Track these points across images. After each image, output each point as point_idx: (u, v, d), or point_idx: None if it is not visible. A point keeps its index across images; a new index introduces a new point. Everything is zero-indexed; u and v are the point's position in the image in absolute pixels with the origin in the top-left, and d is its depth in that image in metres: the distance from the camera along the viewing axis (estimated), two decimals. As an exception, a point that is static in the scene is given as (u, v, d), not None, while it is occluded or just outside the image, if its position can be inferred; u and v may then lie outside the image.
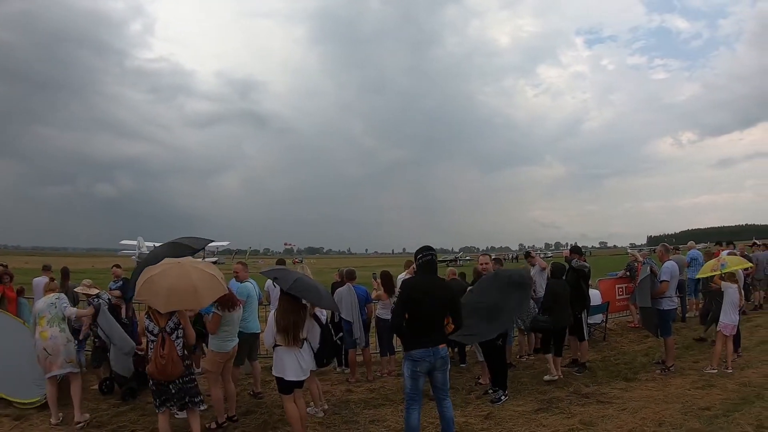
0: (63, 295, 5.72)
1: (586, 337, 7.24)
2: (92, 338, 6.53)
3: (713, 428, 4.70)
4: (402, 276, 7.46)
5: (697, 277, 8.81)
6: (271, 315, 4.73)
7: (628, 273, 10.10)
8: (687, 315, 10.16)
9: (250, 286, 6.26)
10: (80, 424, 5.28)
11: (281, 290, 4.65)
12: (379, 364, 7.32)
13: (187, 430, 4.70)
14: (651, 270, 6.84)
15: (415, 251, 4.62)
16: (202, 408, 4.67)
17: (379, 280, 7.37)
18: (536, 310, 7.09)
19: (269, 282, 6.54)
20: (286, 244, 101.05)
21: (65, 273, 8.12)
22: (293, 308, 4.55)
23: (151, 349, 4.39)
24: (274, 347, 4.62)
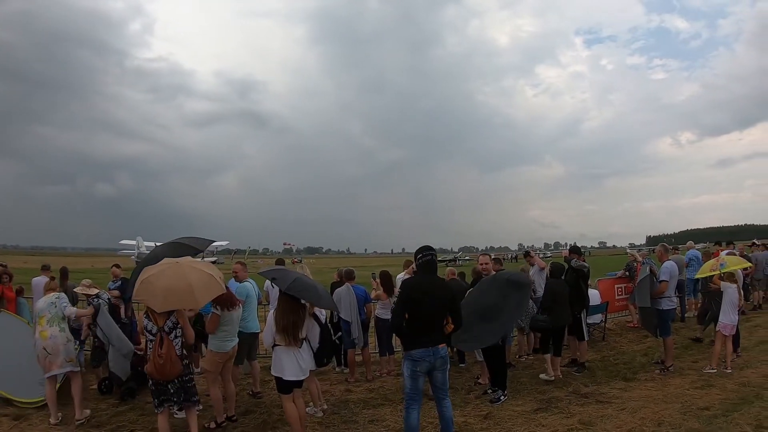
0: (63, 295, 5.71)
1: (586, 337, 7.24)
2: (92, 338, 6.52)
3: (712, 428, 4.70)
4: (401, 276, 7.46)
5: (697, 277, 8.82)
6: (271, 315, 4.73)
7: (627, 273, 10.10)
8: (686, 315, 10.17)
9: (249, 286, 6.26)
10: (80, 421, 5.29)
11: (280, 290, 4.65)
12: (378, 364, 7.32)
13: (186, 429, 4.70)
14: (650, 270, 6.84)
15: (414, 251, 4.62)
16: (198, 408, 4.67)
17: (378, 280, 7.37)
18: (535, 309, 7.10)
19: (269, 282, 6.54)
20: (285, 244, 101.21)
21: (64, 273, 8.11)
22: (292, 308, 4.55)
23: (149, 348, 4.39)
24: (273, 347, 4.62)
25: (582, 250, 8.89)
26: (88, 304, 6.10)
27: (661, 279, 6.69)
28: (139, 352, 6.24)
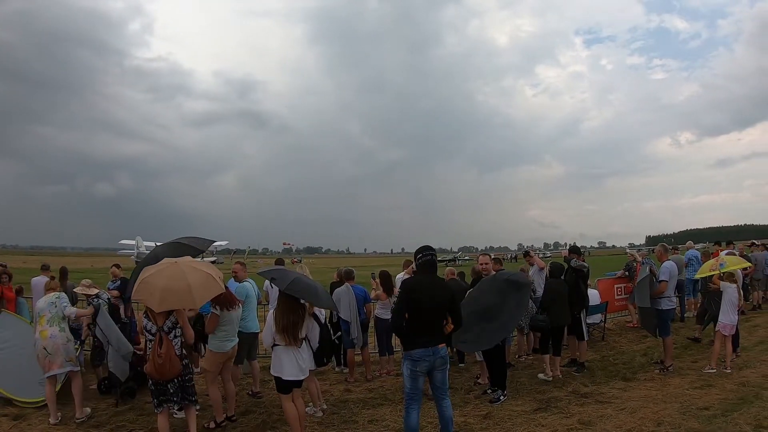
0: (63, 294, 5.71)
1: (585, 337, 7.25)
2: (91, 338, 6.52)
3: (712, 428, 4.70)
4: (400, 276, 7.46)
5: (696, 277, 8.82)
6: (270, 314, 4.73)
7: (626, 273, 10.10)
8: (686, 315, 10.18)
9: (249, 285, 6.26)
10: (81, 419, 5.30)
11: (279, 290, 4.65)
12: (377, 364, 7.32)
13: (185, 429, 4.70)
14: (650, 270, 6.85)
15: (414, 251, 4.63)
16: (196, 408, 4.67)
17: (377, 280, 7.37)
18: (535, 309, 7.10)
19: (268, 282, 6.54)
20: (284, 244, 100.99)
21: (63, 273, 8.10)
22: (292, 308, 4.55)
23: (149, 348, 4.39)
24: (272, 347, 4.62)
25: (581, 250, 8.90)
26: (88, 304, 6.10)
27: (660, 279, 6.69)
28: (138, 352, 6.23)
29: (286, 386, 4.56)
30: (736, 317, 6.74)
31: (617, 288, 10.13)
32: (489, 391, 6.02)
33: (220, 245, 50.01)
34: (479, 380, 6.52)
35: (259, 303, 6.77)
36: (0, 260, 9.55)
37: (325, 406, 5.64)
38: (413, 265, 5.69)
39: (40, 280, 8.08)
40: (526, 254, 8.89)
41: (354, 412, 5.58)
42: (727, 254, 7.57)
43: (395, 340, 7.23)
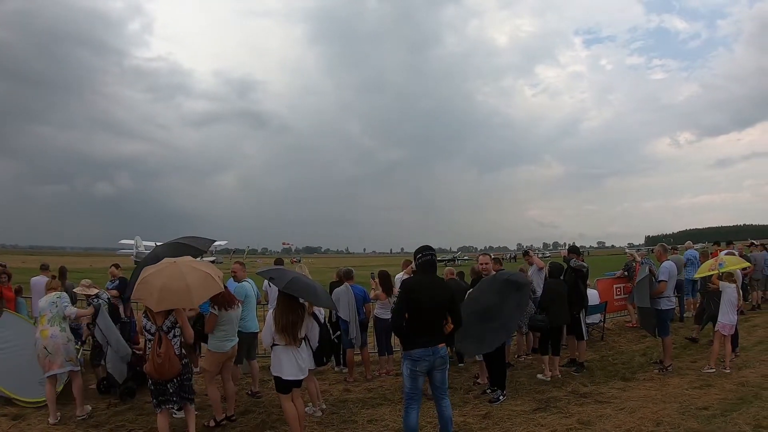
0: (65, 294, 5.71)
1: (585, 337, 7.25)
2: (91, 337, 6.52)
3: (711, 428, 4.70)
4: (400, 276, 7.45)
5: (695, 277, 8.83)
6: (270, 314, 4.73)
7: (626, 273, 10.10)
8: (685, 315, 10.18)
9: (248, 285, 6.27)
10: (81, 417, 5.31)
11: (279, 289, 4.65)
12: (377, 364, 7.32)
13: (185, 429, 4.70)
14: (649, 270, 6.85)
15: (413, 251, 4.62)
16: (191, 406, 4.67)
17: (377, 280, 7.36)
18: (533, 309, 7.10)
19: (267, 281, 6.54)
20: (284, 244, 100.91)
21: (63, 272, 8.10)
22: (292, 307, 4.55)
23: (148, 348, 4.39)
24: (272, 346, 4.62)
25: (581, 249, 8.89)
26: (88, 304, 6.09)
27: (660, 279, 6.70)
28: (138, 352, 6.23)
29: (285, 386, 4.56)
30: (736, 317, 6.75)
31: (616, 288, 10.12)
32: (488, 390, 6.02)
33: (220, 245, 49.97)
34: (478, 380, 6.52)
35: (258, 303, 6.78)
36: (-1, 260, 9.54)
37: (324, 406, 5.64)
38: (412, 264, 5.69)
39: (40, 279, 8.08)
40: (526, 254, 8.90)
41: (353, 411, 5.58)
42: (726, 254, 7.57)
43: (394, 340, 7.23)
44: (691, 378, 6.33)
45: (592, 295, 8.73)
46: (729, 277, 6.83)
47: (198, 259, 5.53)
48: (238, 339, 5.42)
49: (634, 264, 8.98)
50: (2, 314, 6.23)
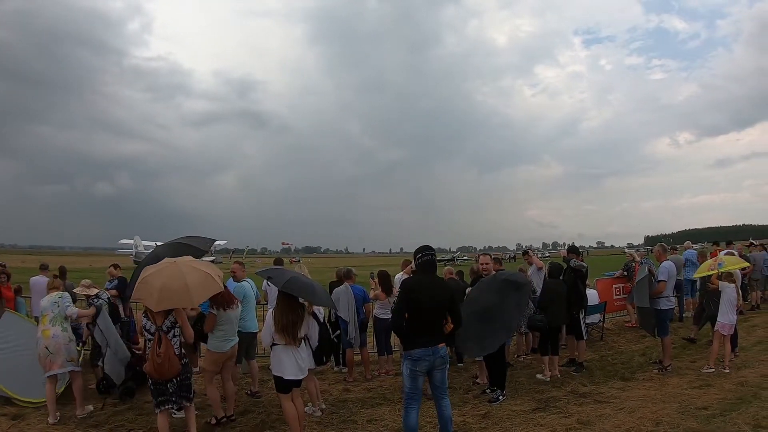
0: (66, 294, 5.71)
1: (584, 337, 7.25)
2: (91, 337, 6.52)
3: (710, 428, 4.71)
4: (399, 276, 7.45)
5: (694, 276, 8.83)
6: (269, 314, 4.73)
7: (625, 273, 10.11)
8: (684, 315, 10.19)
9: (247, 285, 6.27)
10: (82, 415, 5.33)
11: (278, 289, 4.65)
12: (376, 364, 7.32)
13: (184, 429, 4.70)
14: (649, 270, 6.85)
15: (412, 251, 4.63)
16: (191, 406, 4.67)
17: (376, 280, 7.36)
18: (532, 309, 7.10)
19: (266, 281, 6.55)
20: (283, 243, 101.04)
21: (62, 272, 8.10)
22: (291, 307, 4.55)
23: (148, 348, 4.39)
24: (271, 346, 4.63)
25: (580, 249, 8.90)
26: (89, 304, 6.08)
27: (659, 279, 6.70)
28: (137, 352, 6.23)
29: (285, 386, 4.56)
30: (735, 317, 6.75)
31: (616, 288, 10.14)
32: (488, 390, 6.02)
33: (219, 245, 49.99)
34: (478, 380, 6.52)
35: (258, 303, 6.78)
36: (-1, 260, 9.55)
37: (324, 406, 5.64)
38: (412, 264, 5.70)
39: (39, 279, 8.10)
40: (525, 253, 8.90)
41: (353, 411, 5.58)
42: (725, 254, 7.58)
43: (394, 340, 7.23)
44: (690, 378, 6.34)
45: (592, 295, 8.73)
46: (728, 277, 6.83)
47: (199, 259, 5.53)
48: (238, 339, 5.42)
49: (634, 264, 8.99)
50: (3, 314, 6.24)
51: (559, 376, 6.64)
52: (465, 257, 73.55)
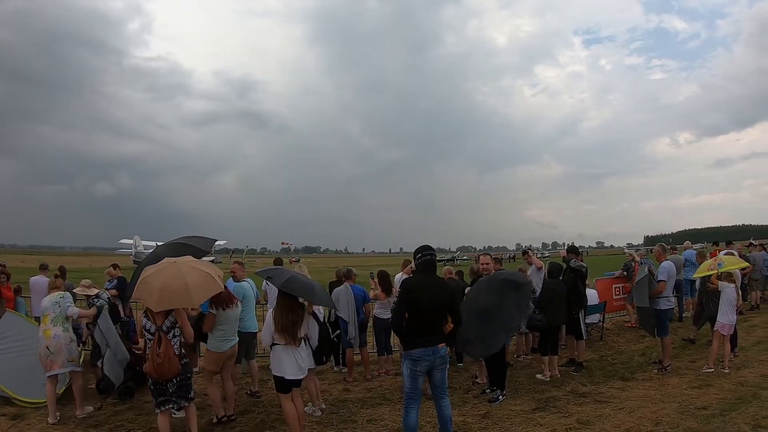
0: (68, 294, 5.71)
1: (584, 337, 7.26)
2: (91, 337, 6.51)
3: (710, 428, 4.71)
4: (399, 276, 7.45)
5: (694, 276, 8.84)
6: (269, 314, 4.73)
7: (624, 273, 10.12)
8: (684, 315, 10.19)
9: (247, 285, 6.28)
10: (82, 415, 5.33)
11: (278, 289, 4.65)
12: (376, 364, 7.32)
13: (184, 428, 4.70)
14: (649, 270, 6.85)
15: (412, 251, 4.63)
16: (192, 405, 4.67)
17: (376, 280, 7.36)
18: (532, 309, 7.10)
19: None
20: (283, 243, 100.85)
21: (62, 272, 8.10)
22: (291, 307, 4.55)
23: (148, 348, 4.39)
24: (271, 346, 4.63)
25: (580, 249, 8.90)
26: (90, 305, 6.08)
27: (659, 279, 6.70)
28: (137, 352, 6.23)
29: (285, 386, 4.56)
30: (735, 317, 6.76)
31: (615, 288, 10.14)
32: (488, 390, 6.02)
33: (219, 245, 49.94)
34: (477, 380, 6.52)
35: (258, 303, 6.78)
36: (-2, 260, 9.54)
37: (323, 406, 5.64)
38: (412, 264, 5.70)
39: (39, 279, 8.10)
40: (525, 253, 8.90)
41: (353, 411, 5.58)
42: (725, 254, 7.58)
43: (394, 340, 7.23)
44: (690, 378, 6.34)
45: (591, 295, 8.74)
46: (728, 277, 6.84)
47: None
48: (237, 339, 5.42)
49: (633, 264, 9.00)
50: (4, 315, 6.24)
51: (558, 376, 6.64)
52: (465, 257, 73.54)
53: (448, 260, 57.07)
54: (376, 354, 7.41)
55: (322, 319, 5.48)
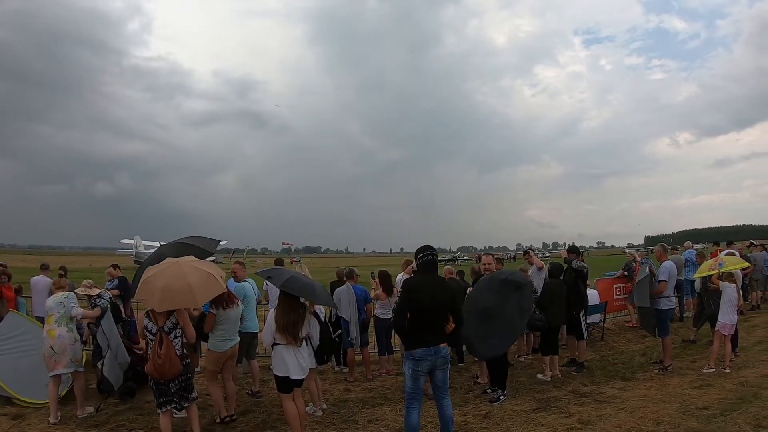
0: (72, 294, 5.70)
1: (585, 337, 7.26)
2: (91, 337, 6.52)
3: (711, 428, 4.71)
4: (401, 276, 7.45)
5: (695, 276, 8.84)
6: (270, 314, 4.74)
7: (625, 273, 10.11)
8: (684, 315, 10.20)
9: (248, 285, 6.28)
10: (83, 416, 5.33)
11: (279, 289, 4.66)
12: (377, 364, 7.32)
13: (185, 428, 4.70)
14: (650, 270, 6.86)
15: (413, 251, 4.64)
16: (193, 406, 4.67)
17: (377, 280, 7.37)
18: (532, 309, 7.11)
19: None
20: (283, 243, 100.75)
21: (65, 272, 8.10)
22: (293, 307, 4.56)
23: (150, 348, 4.39)
24: (272, 346, 4.63)
25: (580, 249, 8.90)
26: (92, 305, 6.07)
27: (660, 279, 6.71)
28: (138, 352, 6.23)
29: (286, 385, 4.56)
30: (735, 317, 6.76)
31: (616, 288, 10.13)
32: (489, 390, 6.02)
33: (220, 245, 49.97)
34: (479, 380, 6.53)
35: (259, 303, 6.78)
36: (-1, 260, 9.55)
37: (324, 406, 5.64)
38: (413, 264, 5.70)
39: (39, 279, 8.11)
40: (526, 253, 8.91)
41: (354, 411, 5.58)
42: (726, 254, 7.59)
43: (395, 340, 7.24)
44: (690, 378, 6.34)
45: (592, 295, 8.74)
46: (729, 277, 6.84)
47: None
48: (238, 339, 5.42)
49: (634, 264, 8.99)
50: (8, 315, 6.24)
51: (559, 376, 6.64)
52: (465, 257, 73.56)
53: (448, 260, 57.10)
54: (377, 354, 7.42)
55: (323, 319, 5.48)
